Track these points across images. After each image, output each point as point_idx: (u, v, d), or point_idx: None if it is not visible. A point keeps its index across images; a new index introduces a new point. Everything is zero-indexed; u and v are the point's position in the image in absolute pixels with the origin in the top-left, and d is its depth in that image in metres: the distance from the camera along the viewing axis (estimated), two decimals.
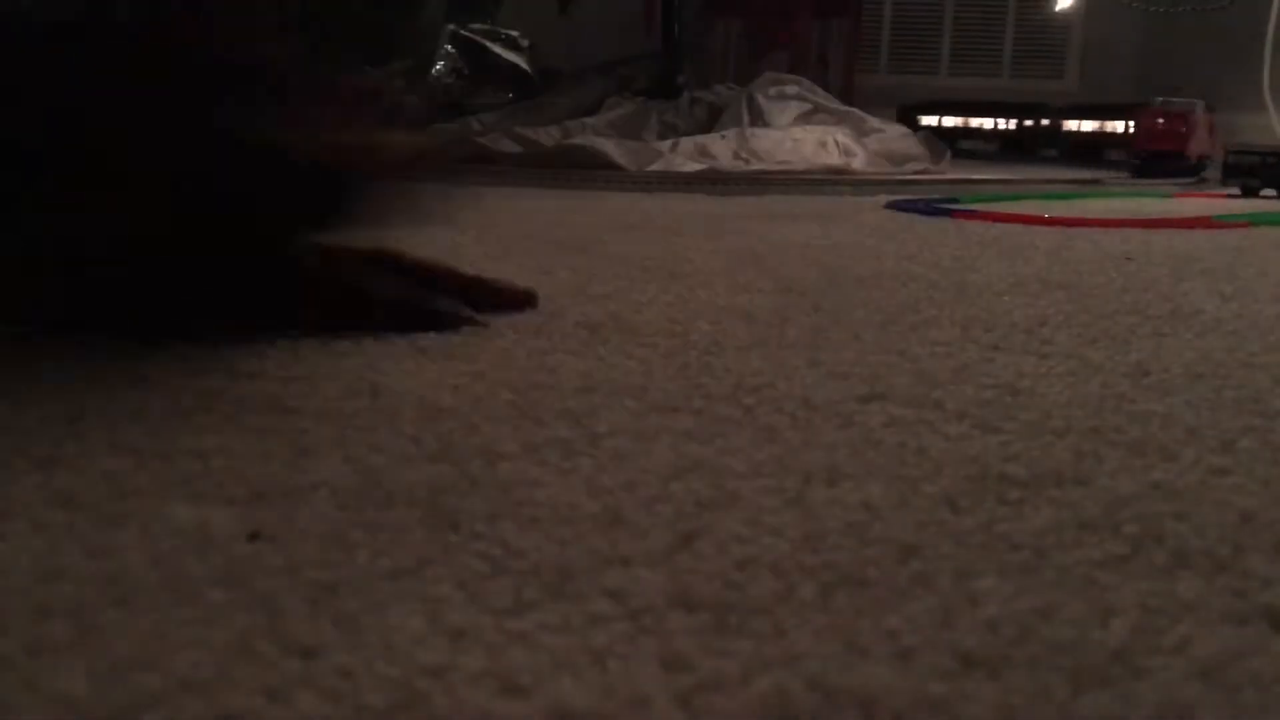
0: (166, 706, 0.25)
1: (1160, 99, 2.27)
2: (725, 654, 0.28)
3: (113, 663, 0.27)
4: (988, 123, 3.07)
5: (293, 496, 0.38)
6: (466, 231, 1.10)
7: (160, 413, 0.47)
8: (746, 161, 1.99)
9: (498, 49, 2.10)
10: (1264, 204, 1.73)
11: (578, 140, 1.98)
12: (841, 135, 2.16)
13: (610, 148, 1.94)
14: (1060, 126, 2.95)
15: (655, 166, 1.93)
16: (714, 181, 1.83)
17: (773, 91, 2.30)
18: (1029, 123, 3.03)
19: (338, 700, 0.26)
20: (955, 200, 1.57)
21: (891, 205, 1.52)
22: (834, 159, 2.07)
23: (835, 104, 2.38)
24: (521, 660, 0.28)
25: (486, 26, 2.27)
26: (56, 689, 0.26)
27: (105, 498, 0.37)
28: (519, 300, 0.69)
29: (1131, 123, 2.48)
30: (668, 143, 2.03)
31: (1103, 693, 0.27)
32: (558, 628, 0.29)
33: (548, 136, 2.02)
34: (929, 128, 2.82)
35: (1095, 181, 2.13)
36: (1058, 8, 3.31)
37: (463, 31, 2.18)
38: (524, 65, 2.12)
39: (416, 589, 0.31)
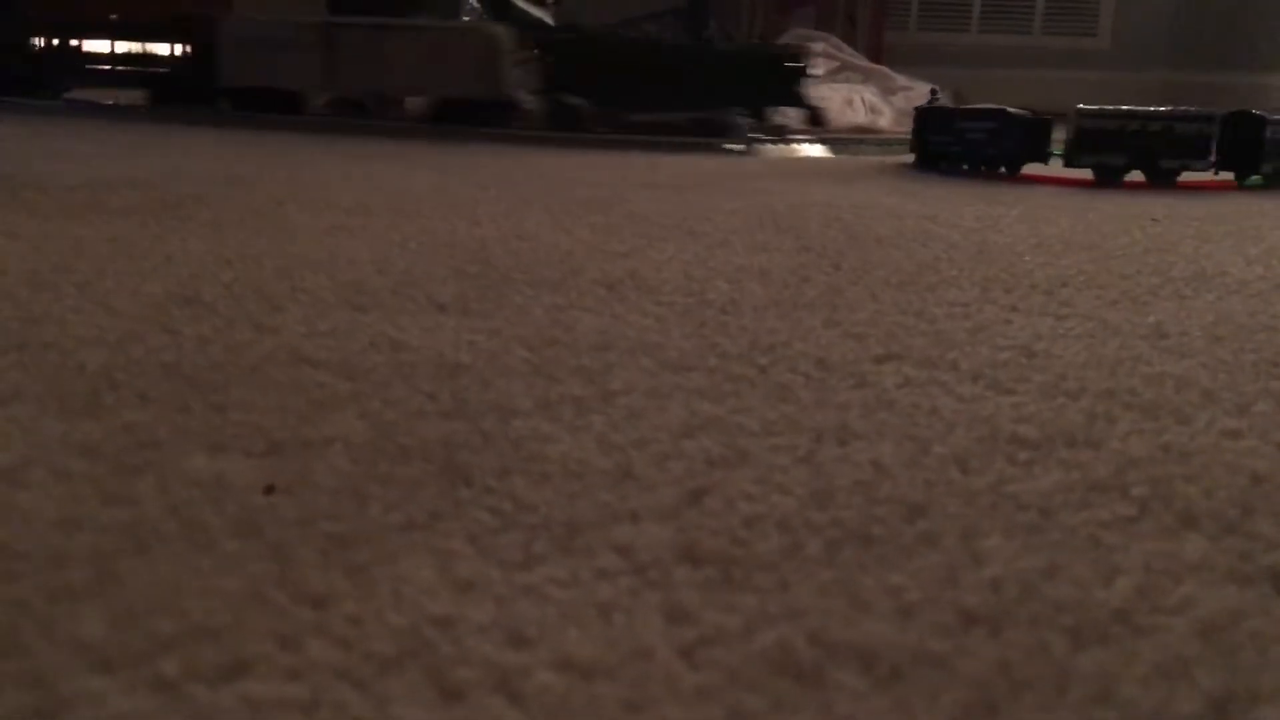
0: (181, 652, 0.26)
1: None
2: (729, 608, 0.29)
3: (129, 608, 0.27)
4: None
5: (308, 450, 0.38)
6: (488, 188, 1.11)
7: (188, 368, 0.47)
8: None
9: (522, 3, 2.08)
10: None
11: None
12: (868, 93, 2.14)
13: None
14: None
15: None
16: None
17: None
18: None
19: (347, 648, 0.26)
20: None
21: (916, 164, 1.50)
22: (860, 117, 2.06)
23: (862, 61, 2.36)
24: (528, 612, 0.28)
25: None
26: (74, 633, 0.26)
27: (125, 448, 0.38)
28: None
29: None
30: None
31: (1102, 650, 0.27)
32: (565, 581, 0.30)
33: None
34: None
35: None
36: None
37: None
38: (548, 20, 2.10)
39: (427, 541, 0.32)
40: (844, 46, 2.39)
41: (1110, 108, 1.36)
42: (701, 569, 0.31)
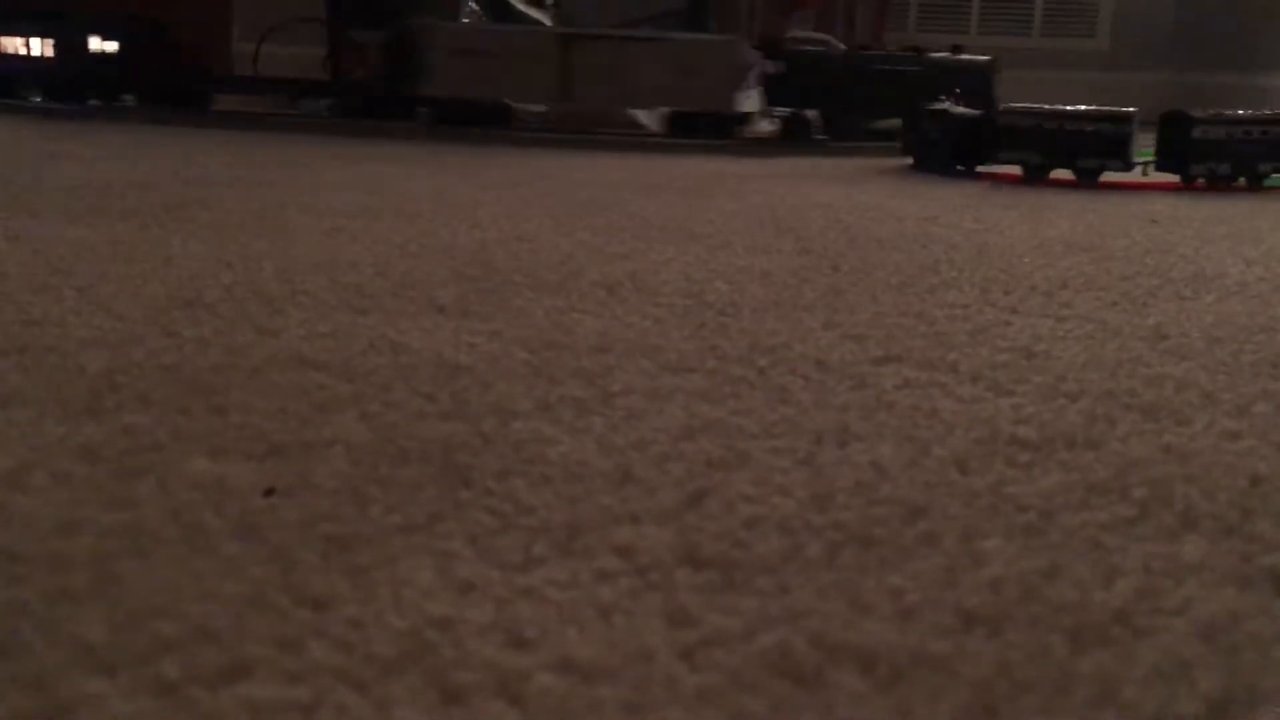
0: (182, 654, 0.26)
1: None
2: (729, 610, 0.29)
3: (130, 611, 0.27)
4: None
5: (309, 452, 0.38)
6: (488, 190, 1.11)
7: (189, 370, 0.47)
8: (772, 121, 1.97)
9: (521, 5, 2.08)
10: None
11: None
12: None
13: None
14: None
15: None
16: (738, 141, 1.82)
17: None
18: None
19: (348, 650, 0.26)
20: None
21: (917, 166, 1.51)
22: None
23: None
24: (528, 614, 0.28)
25: None
26: (76, 636, 0.26)
27: (126, 451, 0.38)
28: None
29: None
30: None
31: (1102, 651, 0.27)
32: (565, 583, 0.30)
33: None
34: None
35: None
36: None
37: None
38: (547, 22, 2.10)
39: (427, 544, 0.32)
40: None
41: (1032, 106, 1.37)
42: (702, 571, 0.31)
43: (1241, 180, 1.31)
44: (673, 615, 0.28)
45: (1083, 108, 1.35)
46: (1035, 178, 1.35)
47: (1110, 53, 3.46)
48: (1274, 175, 1.32)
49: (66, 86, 1.92)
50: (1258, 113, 1.33)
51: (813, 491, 0.37)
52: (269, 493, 0.35)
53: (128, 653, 0.26)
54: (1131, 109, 1.33)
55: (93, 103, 1.93)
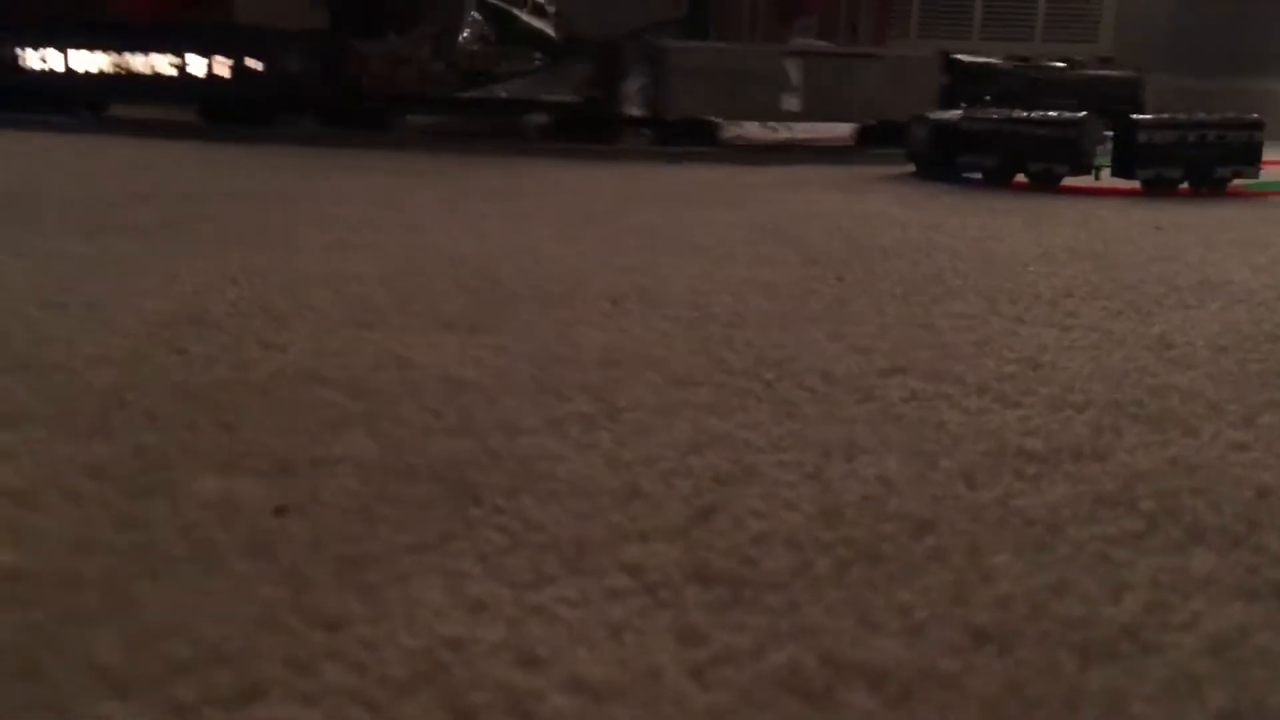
0: (195, 676, 0.26)
1: None
2: (739, 628, 0.29)
3: (143, 632, 0.28)
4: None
5: (318, 469, 0.39)
6: (493, 202, 1.11)
7: (196, 387, 0.48)
8: (774, 130, 1.98)
9: (525, 16, 2.08)
10: None
11: None
12: None
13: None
14: None
15: None
16: (741, 150, 1.82)
17: None
18: None
19: (361, 671, 0.26)
20: None
21: (919, 174, 1.51)
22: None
23: None
24: (539, 633, 0.28)
25: None
26: (89, 657, 0.26)
27: (135, 470, 0.38)
28: None
29: None
30: None
31: (1111, 667, 0.27)
32: (575, 601, 0.30)
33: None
34: None
35: None
36: None
37: None
38: (550, 32, 2.11)
39: (438, 562, 0.32)
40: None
41: (986, 113, 1.38)
42: (711, 588, 0.31)
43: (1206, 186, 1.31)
44: (682, 633, 0.29)
45: (1037, 113, 1.36)
46: (994, 182, 1.36)
47: (1112, 56, 3.46)
48: (1237, 178, 1.32)
49: (238, 108, 1.82)
50: (1212, 115, 1.32)
51: (821, 506, 0.37)
52: (280, 511, 0.35)
53: (141, 674, 0.26)
54: (1082, 114, 1.34)
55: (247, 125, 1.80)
